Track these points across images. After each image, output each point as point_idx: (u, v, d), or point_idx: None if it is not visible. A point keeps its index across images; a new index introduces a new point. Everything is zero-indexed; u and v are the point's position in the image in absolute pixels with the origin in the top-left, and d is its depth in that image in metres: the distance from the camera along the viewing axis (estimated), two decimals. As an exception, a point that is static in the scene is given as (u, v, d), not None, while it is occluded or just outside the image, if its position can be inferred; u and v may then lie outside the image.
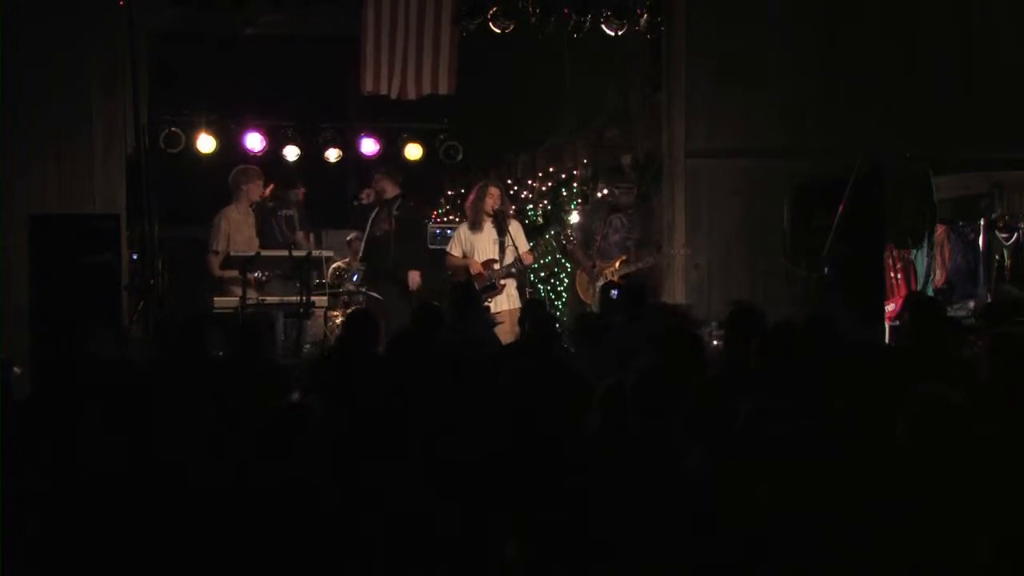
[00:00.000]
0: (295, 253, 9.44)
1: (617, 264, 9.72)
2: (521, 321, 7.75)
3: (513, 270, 9.64)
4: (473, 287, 8.37)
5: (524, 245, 9.74)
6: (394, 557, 4.06)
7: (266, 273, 9.43)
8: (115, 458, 4.20)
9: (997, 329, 5.99)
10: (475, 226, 9.77)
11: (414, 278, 9.93)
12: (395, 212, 10.16)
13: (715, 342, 7.64)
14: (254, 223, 9.85)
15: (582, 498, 4.37)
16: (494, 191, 9.78)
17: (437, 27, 10.35)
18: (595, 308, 9.32)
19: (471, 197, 9.92)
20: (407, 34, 10.35)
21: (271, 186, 10.21)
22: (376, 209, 10.25)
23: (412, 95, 10.51)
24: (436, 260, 10.53)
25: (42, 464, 4.39)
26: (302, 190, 10.55)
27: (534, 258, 10.10)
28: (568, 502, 4.60)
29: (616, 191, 10.16)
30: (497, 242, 9.69)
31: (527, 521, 5.33)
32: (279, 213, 10.20)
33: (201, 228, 10.23)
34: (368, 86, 10.42)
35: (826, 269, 8.46)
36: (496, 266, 9.64)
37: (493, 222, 9.69)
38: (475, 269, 9.66)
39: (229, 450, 4.45)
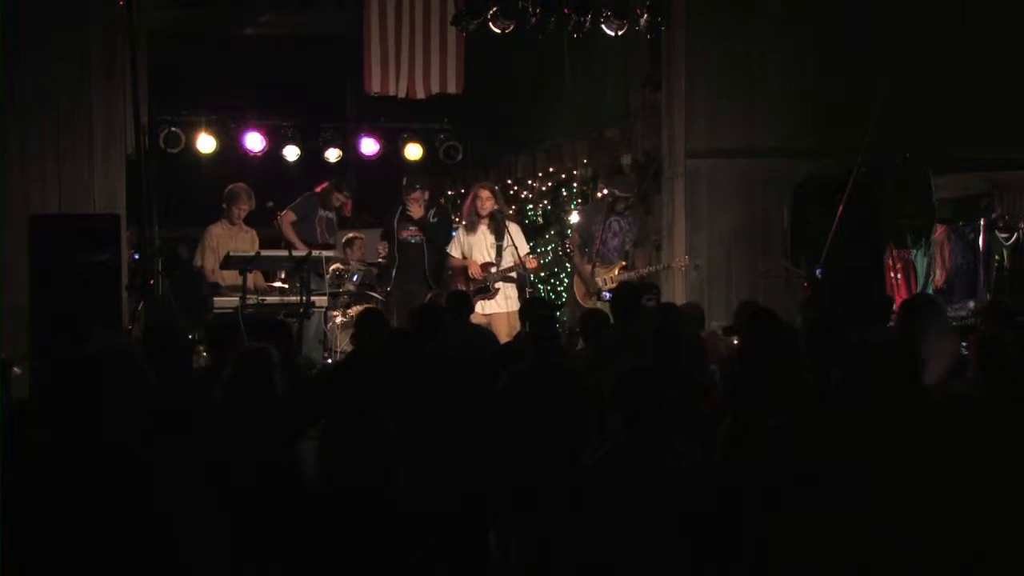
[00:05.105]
0: (295, 253, 9.48)
1: (616, 270, 9.64)
2: (523, 318, 7.76)
3: (512, 274, 9.64)
4: (465, 296, 8.33)
5: (524, 248, 9.73)
6: (393, 558, 4.06)
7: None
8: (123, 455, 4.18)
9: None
10: (470, 228, 9.81)
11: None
12: (432, 219, 10.34)
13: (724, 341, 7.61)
14: (254, 237, 10.16)
15: (582, 498, 4.38)
16: (483, 193, 9.78)
17: (444, 27, 10.37)
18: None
19: (467, 200, 9.97)
20: (413, 34, 10.37)
21: (324, 184, 10.67)
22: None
23: (421, 95, 10.54)
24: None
25: (43, 463, 4.38)
26: (349, 201, 10.87)
27: (538, 263, 10.11)
28: (569, 502, 4.61)
29: (616, 192, 10.13)
30: (494, 246, 9.68)
31: (528, 520, 5.35)
32: (321, 214, 10.55)
33: (201, 228, 10.29)
34: (375, 86, 10.43)
35: (819, 270, 8.43)
36: (493, 269, 9.65)
37: (489, 225, 9.70)
38: (473, 271, 9.69)
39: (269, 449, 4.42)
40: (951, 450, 3.75)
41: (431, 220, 10.23)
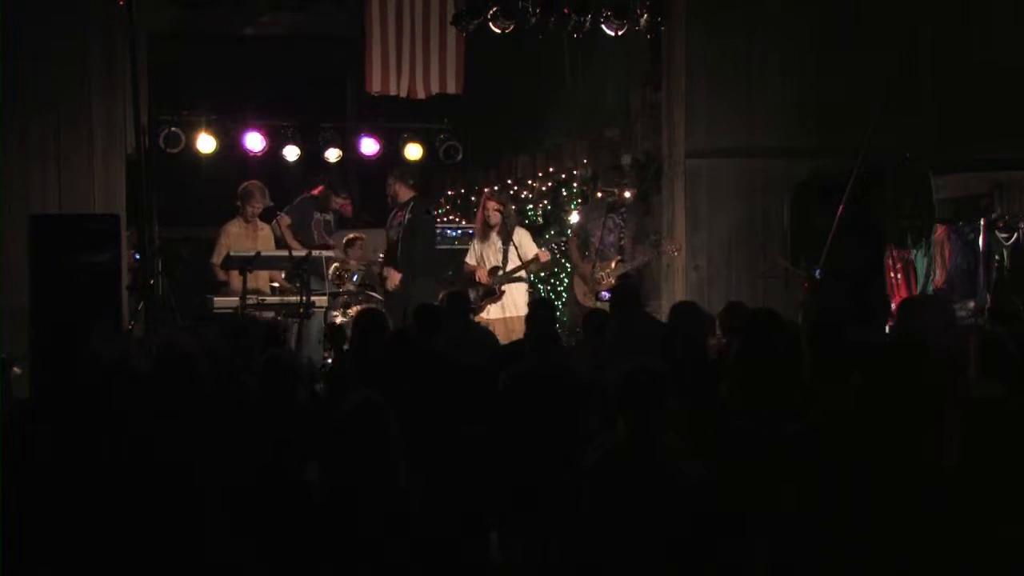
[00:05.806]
0: (295, 253, 9.50)
1: (613, 265, 9.69)
2: (528, 320, 7.78)
3: (521, 273, 9.76)
4: (463, 296, 8.40)
5: (532, 249, 9.89)
6: (391, 557, 4.07)
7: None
8: (121, 456, 4.19)
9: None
10: (481, 237, 10.09)
11: (393, 278, 9.97)
12: (408, 215, 10.33)
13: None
14: (270, 234, 10.25)
15: (582, 498, 4.38)
16: (490, 204, 10.02)
17: (444, 27, 10.38)
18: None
19: (478, 212, 10.21)
20: (413, 34, 10.38)
21: (319, 187, 10.82)
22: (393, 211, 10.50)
23: (421, 95, 10.57)
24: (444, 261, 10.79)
25: (43, 463, 4.38)
26: (348, 203, 11.07)
27: (549, 256, 10.28)
28: (570, 502, 4.61)
29: (615, 190, 10.14)
30: (502, 251, 9.87)
31: (528, 520, 5.35)
32: (317, 217, 10.70)
33: (201, 228, 10.30)
34: (376, 86, 10.45)
35: (818, 271, 8.43)
36: (499, 273, 9.82)
37: (500, 232, 9.87)
38: (480, 277, 9.93)
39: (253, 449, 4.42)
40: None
41: (408, 215, 10.34)
